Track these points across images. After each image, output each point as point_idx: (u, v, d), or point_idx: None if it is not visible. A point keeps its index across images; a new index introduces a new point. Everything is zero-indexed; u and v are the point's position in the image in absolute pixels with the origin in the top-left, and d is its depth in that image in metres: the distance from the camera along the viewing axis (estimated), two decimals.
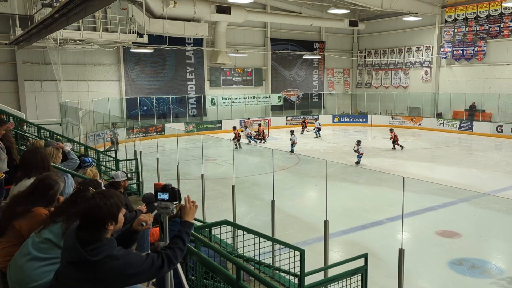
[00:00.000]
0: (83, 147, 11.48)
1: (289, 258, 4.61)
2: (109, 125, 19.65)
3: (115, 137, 18.33)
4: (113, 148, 14.36)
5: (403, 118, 28.02)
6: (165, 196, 2.66)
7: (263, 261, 5.05)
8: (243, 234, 5.00)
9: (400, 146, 19.10)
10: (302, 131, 24.64)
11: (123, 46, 21.78)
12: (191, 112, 26.32)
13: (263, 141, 21.37)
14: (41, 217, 2.79)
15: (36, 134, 10.52)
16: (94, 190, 2.82)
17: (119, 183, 5.84)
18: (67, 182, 4.26)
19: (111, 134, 18.65)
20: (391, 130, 20.06)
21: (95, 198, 2.16)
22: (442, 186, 10.97)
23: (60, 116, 19.33)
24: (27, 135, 10.49)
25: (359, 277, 4.72)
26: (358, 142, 15.59)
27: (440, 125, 25.88)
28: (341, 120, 29.73)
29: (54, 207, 2.99)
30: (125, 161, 11.15)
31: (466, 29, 25.05)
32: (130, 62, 23.63)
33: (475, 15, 24.51)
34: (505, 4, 21.91)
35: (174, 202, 2.73)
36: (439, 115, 26.76)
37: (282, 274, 5.15)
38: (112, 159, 11.14)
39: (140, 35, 19.36)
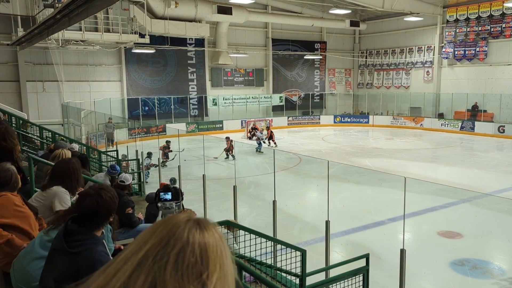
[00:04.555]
0: (85, 147, 11.51)
1: (291, 258, 4.62)
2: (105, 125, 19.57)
3: (110, 131, 18.39)
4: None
5: (405, 118, 27.99)
6: (168, 196, 2.67)
7: (265, 261, 5.06)
8: (245, 235, 5.01)
9: (274, 143, 19.67)
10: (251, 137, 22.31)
11: (124, 47, 21.82)
12: (193, 112, 26.34)
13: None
14: (10, 201, 2.86)
15: (38, 134, 10.55)
16: None
17: (127, 186, 5.95)
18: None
19: (107, 129, 18.66)
20: (268, 128, 21.13)
21: (101, 194, 2.20)
22: (444, 187, 10.96)
23: (62, 116, 19.36)
24: (30, 135, 10.53)
25: (361, 278, 4.73)
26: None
27: (441, 125, 25.85)
28: (342, 121, 29.71)
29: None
30: (127, 161, 11.18)
31: (468, 29, 25.01)
32: (131, 63, 23.67)
33: (476, 15, 24.47)
34: (507, 4, 21.88)
35: (176, 202, 2.74)
36: (440, 116, 26.73)
37: (284, 274, 5.16)
38: (114, 159, 11.17)
39: (142, 36, 19.37)
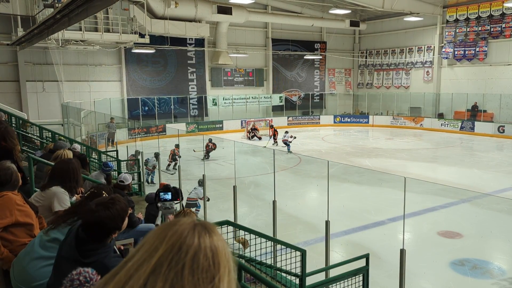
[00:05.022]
0: (85, 147, 11.50)
1: (291, 258, 4.62)
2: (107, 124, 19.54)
3: (112, 131, 18.40)
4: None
5: (405, 118, 27.99)
6: (168, 196, 2.67)
7: (265, 261, 5.06)
8: (245, 235, 5.01)
9: (276, 142, 20.12)
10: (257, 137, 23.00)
11: (124, 47, 21.81)
12: (193, 112, 26.34)
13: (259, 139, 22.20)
14: (11, 201, 2.85)
15: (38, 134, 10.55)
16: (107, 194, 2.84)
17: (127, 186, 5.90)
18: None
19: (109, 129, 18.66)
20: (272, 127, 21.42)
21: (99, 211, 2.13)
22: (444, 187, 10.96)
23: (62, 116, 19.36)
24: (30, 135, 10.53)
25: (361, 278, 4.73)
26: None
27: (441, 125, 25.85)
28: (342, 121, 29.71)
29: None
30: (127, 162, 11.18)
31: (468, 29, 25.01)
32: (131, 63, 23.67)
33: (476, 15, 24.47)
34: (506, 4, 21.88)
35: (175, 202, 2.74)
36: (440, 116, 26.73)
37: (284, 274, 5.16)
38: (114, 159, 11.17)
39: (142, 36, 19.37)
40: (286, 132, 19.84)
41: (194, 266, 0.72)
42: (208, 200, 8.96)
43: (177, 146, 14.58)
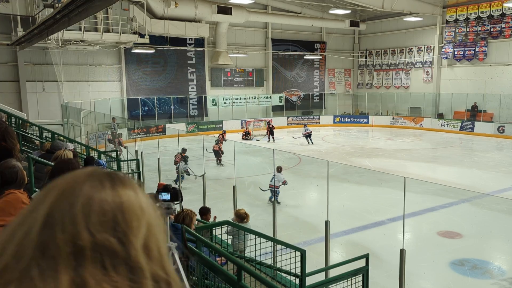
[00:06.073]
0: (84, 147, 11.49)
1: (290, 258, 4.62)
2: (110, 125, 19.53)
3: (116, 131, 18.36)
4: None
5: (404, 118, 28.00)
6: (167, 197, 2.66)
7: (264, 261, 5.06)
8: (244, 234, 5.01)
9: (273, 138, 21.39)
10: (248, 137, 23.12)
11: (124, 47, 21.82)
12: (192, 112, 26.34)
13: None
14: (18, 199, 2.84)
15: (38, 134, 10.54)
16: None
17: None
18: None
19: (113, 129, 18.62)
20: (268, 124, 22.41)
21: None
22: (444, 187, 10.96)
23: (61, 116, 19.36)
24: (29, 135, 10.52)
25: (360, 278, 4.73)
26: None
27: (441, 125, 25.85)
28: (342, 121, 29.71)
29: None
30: (127, 162, 11.18)
31: (467, 29, 25.02)
32: (131, 63, 23.67)
33: (476, 15, 24.48)
34: (506, 5, 21.89)
35: (176, 202, 2.73)
36: (440, 116, 26.73)
37: (283, 274, 5.16)
38: (113, 159, 11.16)
39: (142, 36, 19.38)
40: (305, 125, 21.15)
41: (87, 213, 0.55)
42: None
43: (224, 133, 16.27)
